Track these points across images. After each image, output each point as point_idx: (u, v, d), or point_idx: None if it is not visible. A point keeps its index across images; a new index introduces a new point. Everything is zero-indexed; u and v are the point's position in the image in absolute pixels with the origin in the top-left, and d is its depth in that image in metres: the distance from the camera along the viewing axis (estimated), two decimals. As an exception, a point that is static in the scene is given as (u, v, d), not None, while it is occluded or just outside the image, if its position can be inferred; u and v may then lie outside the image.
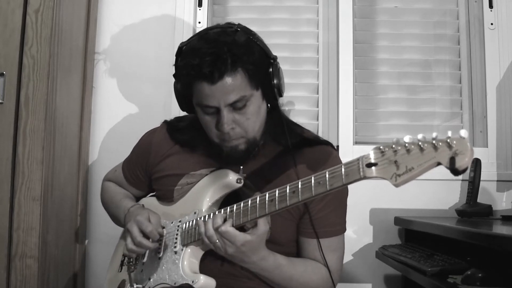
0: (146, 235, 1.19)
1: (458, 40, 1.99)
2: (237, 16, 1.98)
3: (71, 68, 1.69)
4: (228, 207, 1.12)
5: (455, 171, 0.81)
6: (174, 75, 1.25)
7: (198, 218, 1.17)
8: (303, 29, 2.01)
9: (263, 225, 1.09)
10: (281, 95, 1.23)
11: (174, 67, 1.24)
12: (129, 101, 1.92)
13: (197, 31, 1.93)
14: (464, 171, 0.81)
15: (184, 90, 1.20)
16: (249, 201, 1.09)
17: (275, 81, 1.19)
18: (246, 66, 1.13)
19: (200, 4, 1.96)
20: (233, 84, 1.12)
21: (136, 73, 1.94)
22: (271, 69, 1.19)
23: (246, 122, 1.17)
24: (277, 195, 1.05)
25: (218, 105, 1.14)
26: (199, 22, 1.95)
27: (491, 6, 1.93)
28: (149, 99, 1.92)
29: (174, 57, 1.88)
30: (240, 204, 1.10)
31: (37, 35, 1.45)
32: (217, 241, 1.08)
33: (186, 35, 1.92)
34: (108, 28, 1.94)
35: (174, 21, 1.94)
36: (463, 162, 0.80)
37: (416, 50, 1.99)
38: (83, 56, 1.82)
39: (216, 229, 1.08)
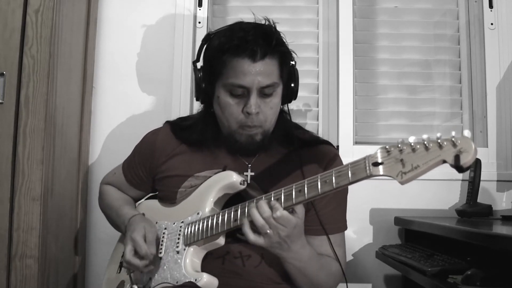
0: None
1: (458, 40, 1.99)
2: (237, 16, 1.97)
3: (71, 68, 1.69)
4: (233, 207, 1.13)
5: (460, 168, 0.84)
6: (194, 62, 1.28)
7: (202, 219, 1.17)
8: (303, 29, 2.01)
9: (301, 207, 1.08)
10: (295, 99, 1.29)
11: (197, 53, 1.28)
12: (129, 101, 1.92)
13: (197, 31, 1.95)
14: (468, 168, 0.84)
15: (214, 70, 1.21)
16: (255, 201, 1.09)
17: (294, 84, 1.27)
18: (282, 55, 1.20)
19: (200, 4, 1.96)
20: (270, 68, 1.17)
21: (136, 73, 1.94)
22: (293, 72, 1.26)
23: (269, 112, 1.21)
24: (283, 194, 1.06)
25: (251, 86, 1.16)
26: (199, 22, 1.95)
27: (491, 6, 1.93)
28: (149, 99, 1.92)
29: (174, 57, 1.89)
30: (245, 204, 1.11)
31: (37, 35, 1.45)
32: (269, 231, 1.04)
33: (186, 35, 1.92)
34: (108, 28, 1.94)
35: (174, 21, 1.94)
36: (467, 159, 0.83)
37: (416, 50, 1.99)
38: (83, 56, 1.82)
39: (270, 215, 1.04)
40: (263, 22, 1.24)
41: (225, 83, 1.18)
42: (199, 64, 1.28)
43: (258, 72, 1.15)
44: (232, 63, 1.16)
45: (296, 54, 1.29)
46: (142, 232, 1.20)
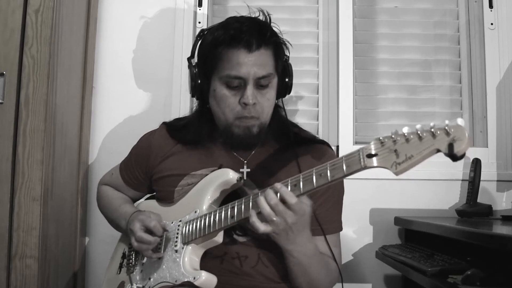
0: (149, 231, 1.19)
1: (458, 40, 1.99)
2: (237, 16, 1.98)
3: (71, 68, 1.69)
4: (230, 204, 1.13)
5: (454, 157, 0.83)
6: (188, 58, 1.28)
7: (200, 217, 1.17)
8: (303, 29, 2.01)
9: (307, 198, 1.07)
10: (289, 93, 1.30)
11: (192, 49, 1.29)
12: (129, 101, 1.92)
13: (197, 31, 1.94)
14: (462, 157, 0.83)
15: (209, 64, 1.21)
16: (251, 197, 1.09)
17: (289, 78, 1.28)
18: (277, 46, 1.22)
19: (200, 4, 1.96)
20: (265, 59, 1.18)
21: (136, 73, 1.94)
22: (287, 66, 1.27)
23: (266, 103, 1.21)
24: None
25: (247, 76, 1.17)
26: (199, 22, 1.95)
27: (491, 6, 1.93)
28: (149, 99, 1.92)
29: (174, 57, 1.89)
30: (242, 201, 1.10)
31: (37, 35, 1.45)
32: (275, 218, 1.03)
33: (186, 35, 1.92)
34: (108, 28, 1.94)
35: (174, 21, 1.94)
36: (461, 147, 0.82)
37: (416, 50, 1.99)
38: (83, 56, 1.82)
39: (282, 200, 1.03)
40: (257, 13, 1.26)
41: (221, 75, 1.19)
42: (194, 61, 1.29)
43: (254, 62, 1.16)
44: (228, 55, 1.17)
45: (291, 45, 1.30)
46: (148, 213, 1.22)
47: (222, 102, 1.21)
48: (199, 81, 1.25)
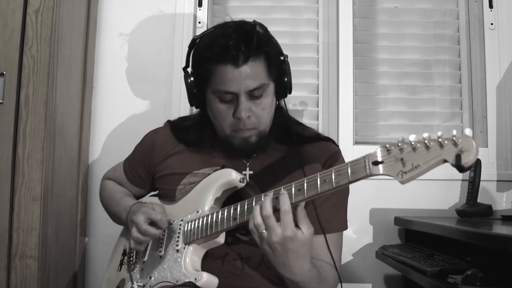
0: (153, 223, 1.17)
1: (458, 40, 1.99)
2: (237, 16, 1.96)
3: (71, 68, 1.69)
4: (232, 205, 1.12)
5: (461, 168, 0.82)
6: (184, 68, 1.26)
7: (202, 217, 1.17)
8: (303, 29, 2.01)
9: (308, 228, 1.03)
10: (290, 93, 1.27)
11: (186, 59, 1.26)
12: (129, 101, 1.92)
13: (197, 31, 1.95)
14: (469, 168, 0.83)
15: (201, 78, 1.20)
16: (254, 199, 1.08)
17: (287, 78, 1.24)
18: (267, 54, 1.17)
19: (200, 4, 1.97)
20: (255, 70, 1.15)
21: (136, 73, 1.94)
22: (284, 66, 1.23)
23: (261, 113, 1.19)
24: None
25: (238, 91, 1.15)
26: (199, 22, 1.95)
27: (491, 6, 1.93)
28: (149, 99, 1.92)
29: (174, 57, 1.89)
30: (245, 202, 1.10)
31: (37, 35, 1.45)
32: (264, 231, 1.01)
33: (186, 35, 1.92)
34: (108, 28, 1.94)
35: (174, 21, 1.94)
36: (468, 159, 0.81)
37: (416, 50, 1.99)
38: (83, 56, 1.82)
39: (276, 211, 1.00)
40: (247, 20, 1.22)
41: (213, 90, 1.18)
42: (189, 70, 1.26)
43: (244, 76, 1.13)
44: (217, 71, 1.15)
45: (283, 53, 1.25)
46: (151, 206, 1.21)
47: (217, 115, 1.20)
48: (195, 91, 1.24)
